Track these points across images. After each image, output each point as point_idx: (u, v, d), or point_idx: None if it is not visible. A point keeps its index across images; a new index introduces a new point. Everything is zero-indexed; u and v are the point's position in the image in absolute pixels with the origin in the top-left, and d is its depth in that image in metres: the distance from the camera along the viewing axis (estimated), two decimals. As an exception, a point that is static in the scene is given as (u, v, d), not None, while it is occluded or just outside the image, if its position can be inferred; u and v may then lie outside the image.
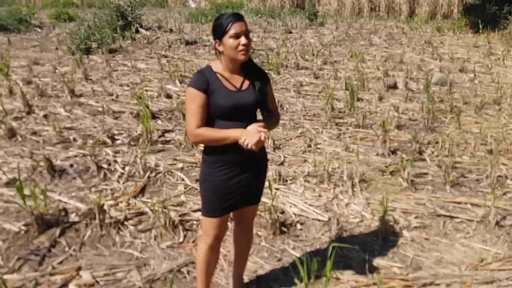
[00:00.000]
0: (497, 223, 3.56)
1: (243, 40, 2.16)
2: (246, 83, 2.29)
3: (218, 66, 2.28)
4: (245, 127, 2.18)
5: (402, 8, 21.02)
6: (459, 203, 3.93)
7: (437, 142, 5.20)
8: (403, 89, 7.52)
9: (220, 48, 2.23)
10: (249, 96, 2.27)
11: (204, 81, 2.21)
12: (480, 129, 5.63)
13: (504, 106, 6.75)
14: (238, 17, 2.19)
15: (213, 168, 2.30)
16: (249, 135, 2.13)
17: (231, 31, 2.16)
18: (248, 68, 2.32)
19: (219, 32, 2.20)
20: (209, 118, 2.24)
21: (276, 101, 6.35)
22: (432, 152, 4.98)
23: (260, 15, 18.57)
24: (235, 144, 2.15)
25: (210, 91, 2.20)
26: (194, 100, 2.20)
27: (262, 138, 2.14)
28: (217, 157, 2.28)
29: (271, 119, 2.39)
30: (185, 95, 2.28)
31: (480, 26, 13.34)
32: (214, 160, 2.30)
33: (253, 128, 2.17)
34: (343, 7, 22.27)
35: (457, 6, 19.63)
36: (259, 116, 2.40)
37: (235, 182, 2.31)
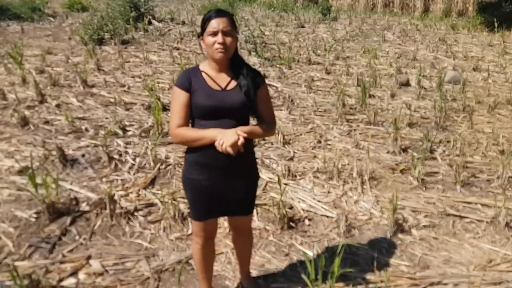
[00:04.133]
0: (507, 224, 3.53)
1: (219, 38, 2.09)
2: (233, 83, 2.20)
3: (205, 65, 2.24)
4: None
5: (416, 5, 20.78)
6: (469, 203, 3.90)
7: (448, 141, 5.16)
8: (415, 87, 7.46)
9: (203, 46, 2.18)
10: (233, 96, 2.16)
11: (187, 79, 2.17)
12: (492, 129, 5.58)
13: (518, 106, 6.68)
14: (218, 13, 2.12)
15: (193, 169, 2.25)
16: (225, 136, 2.03)
17: (209, 28, 2.10)
18: (238, 68, 2.22)
19: (201, 29, 2.16)
20: (193, 118, 2.20)
21: (287, 95, 6.42)
22: (444, 151, 4.95)
23: (273, 9, 18.49)
24: (214, 148, 2.06)
25: (192, 90, 2.15)
26: (176, 98, 2.17)
27: (239, 142, 2.03)
28: (197, 159, 2.22)
29: (262, 126, 2.25)
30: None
31: (496, 25, 13.15)
32: (193, 161, 2.24)
33: (232, 130, 2.07)
34: (356, 2, 22.08)
35: (472, 4, 19.34)
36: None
37: (213, 186, 2.24)
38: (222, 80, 2.20)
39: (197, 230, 2.38)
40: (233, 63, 2.22)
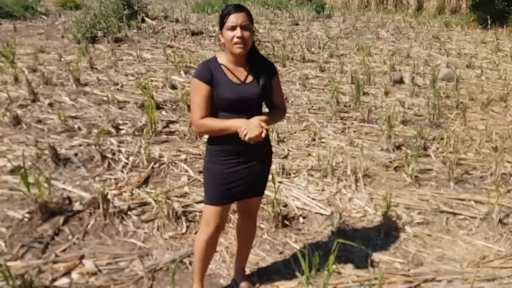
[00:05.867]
0: (500, 220, 3.55)
1: (237, 32, 2.15)
2: (251, 76, 2.29)
3: (223, 58, 2.29)
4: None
5: (410, 2, 20.83)
6: (462, 200, 3.92)
7: (442, 138, 5.17)
8: (409, 84, 7.48)
9: (222, 40, 2.24)
10: (252, 89, 2.27)
11: (208, 72, 2.23)
12: (485, 126, 5.60)
13: (511, 103, 6.70)
14: (237, 9, 2.18)
15: (216, 157, 2.33)
16: (249, 127, 2.14)
17: (228, 23, 2.17)
18: (254, 61, 2.31)
19: (220, 24, 2.23)
20: (213, 109, 2.26)
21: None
22: (437, 148, 4.96)
23: (267, 6, 18.48)
24: (237, 135, 2.17)
25: (214, 82, 2.22)
26: (198, 91, 2.22)
27: (263, 135, 2.15)
28: (220, 146, 2.30)
29: (276, 113, 2.40)
30: (190, 86, 2.30)
31: (489, 22, 13.21)
32: (217, 150, 2.32)
33: (255, 121, 2.17)
34: (350, -1, 22.11)
35: (465, 1, 19.41)
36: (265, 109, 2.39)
37: (237, 171, 2.33)
38: (241, 74, 2.29)
39: (211, 217, 2.39)
40: (249, 57, 2.29)
